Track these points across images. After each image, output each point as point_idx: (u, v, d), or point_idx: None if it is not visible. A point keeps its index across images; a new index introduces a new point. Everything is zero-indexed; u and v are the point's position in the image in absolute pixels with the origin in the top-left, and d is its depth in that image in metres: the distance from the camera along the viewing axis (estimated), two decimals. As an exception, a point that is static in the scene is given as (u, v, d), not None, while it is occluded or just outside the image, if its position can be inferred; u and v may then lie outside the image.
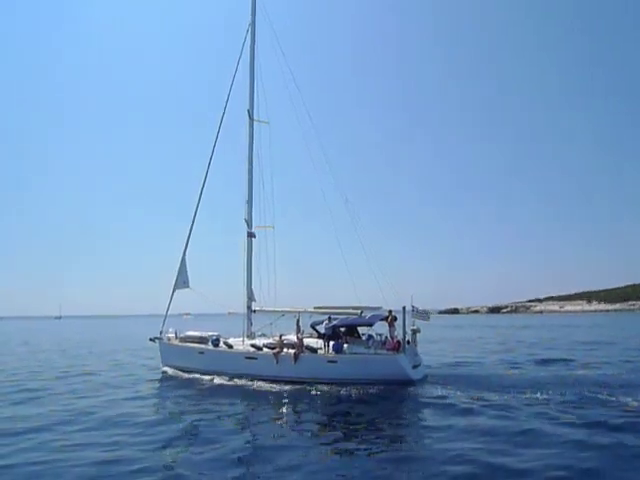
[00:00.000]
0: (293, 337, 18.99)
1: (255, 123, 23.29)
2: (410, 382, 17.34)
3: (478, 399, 14.43)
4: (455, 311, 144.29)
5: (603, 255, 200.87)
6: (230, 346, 20.07)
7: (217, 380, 19.06)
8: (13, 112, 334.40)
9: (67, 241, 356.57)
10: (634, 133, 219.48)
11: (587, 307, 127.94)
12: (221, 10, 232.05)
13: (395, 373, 17.43)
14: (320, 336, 19.09)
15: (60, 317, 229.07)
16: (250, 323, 22.00)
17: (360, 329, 19.94)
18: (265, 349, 18.99)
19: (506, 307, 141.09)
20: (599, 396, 14.47)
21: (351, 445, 10.45)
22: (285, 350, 18.51)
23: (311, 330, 20.02)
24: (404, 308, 18.41)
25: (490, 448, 9.85)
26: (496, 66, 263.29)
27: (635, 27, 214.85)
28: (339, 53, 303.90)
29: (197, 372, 20.27)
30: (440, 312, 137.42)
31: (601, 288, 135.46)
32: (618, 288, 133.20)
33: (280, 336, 19.19)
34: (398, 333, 18.37)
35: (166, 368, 22.04)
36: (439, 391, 15.95)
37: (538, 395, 14.87)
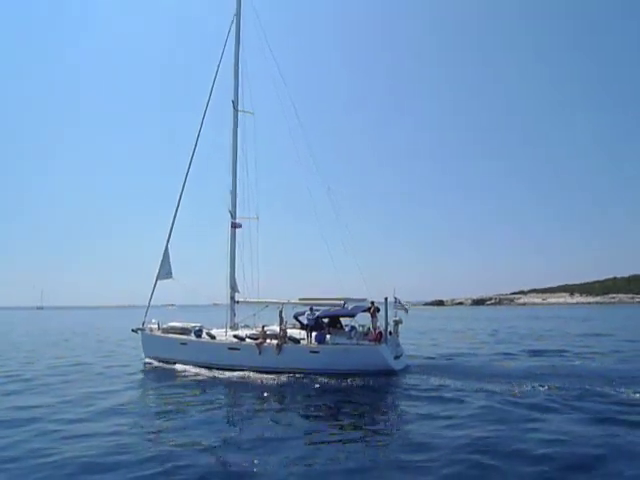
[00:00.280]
0: (276, 328, 19.04)
1: (240, 114, 23.14)
2: (392, 372, 17.55)
3: (464, 389, 14.65)
4: (440, 303, 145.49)
5: (586, 249, 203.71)
6: (213, 337, 20.05)
7: (199, 371, 19.05)
8: (12, 112, 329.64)
9: (48, 232, 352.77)
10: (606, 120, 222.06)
11: (569, 300, 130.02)
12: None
13: (377, 363, 17.60)
14: (303, 327, 19.16)
15: (42, 307, 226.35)
16: (233, 314, 21.99)
17: (343, 320, 20.05)
18: (248, 340, 19.02)
19: (490, 299, 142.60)
20: (597, 387, 14.41)
21: (332, 434, 10.58)
22: (268, 341, 18.57)
23: (294, 321, 20.09)
24: (386, 299, 18.59)
25: (473, 435, 10.08)
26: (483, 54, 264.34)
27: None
28: (327, 45, 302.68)
29: (179, 363, 20.22)
30: (425, 304, 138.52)
31: (583, 281, 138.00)
32: (599, 281, 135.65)
33: (262, 327, 19.24)
34: (380, 324, 18.54)
35: (148, 359, 21.95)
36: (417, 381, 16.23)
37: (530, 384, 15.00)
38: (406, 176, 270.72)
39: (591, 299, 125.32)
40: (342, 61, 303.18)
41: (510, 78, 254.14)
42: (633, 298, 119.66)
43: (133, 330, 23.29)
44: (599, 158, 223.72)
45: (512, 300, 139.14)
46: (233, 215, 22.48)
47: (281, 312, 19.53)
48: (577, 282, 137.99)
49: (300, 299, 20.31)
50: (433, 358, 22.39)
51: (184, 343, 20.50)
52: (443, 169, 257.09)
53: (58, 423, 11.56)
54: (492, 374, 17.09)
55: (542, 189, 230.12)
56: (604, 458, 8.63)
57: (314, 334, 18.42)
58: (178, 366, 20.00)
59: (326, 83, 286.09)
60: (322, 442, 10.01)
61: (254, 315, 21.25)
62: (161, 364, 20.98)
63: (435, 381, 15.98)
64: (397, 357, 18.62)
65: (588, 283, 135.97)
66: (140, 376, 19.46)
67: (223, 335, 20.08)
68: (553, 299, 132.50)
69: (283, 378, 17.23)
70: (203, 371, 18.97)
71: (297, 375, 17.38)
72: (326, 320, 19.33)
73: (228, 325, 20.96)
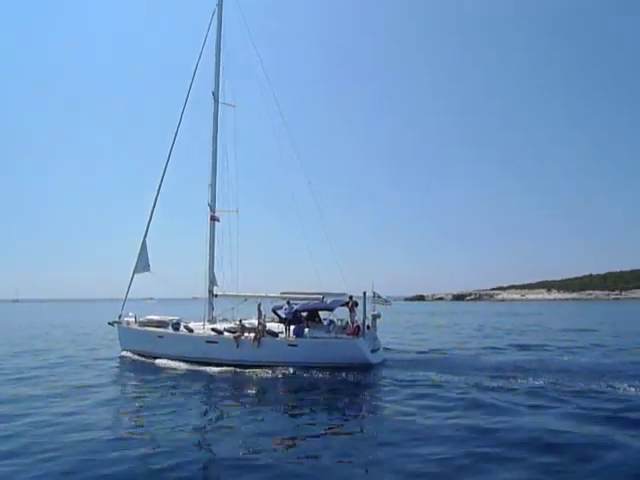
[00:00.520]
0: (255, 322, 18.99)
1: (220, 105, 22.91)
2: (369, 365, 17.67)
3: (442, 382, 14.78)
4: (421, 298, 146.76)
5: (563, 246, 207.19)
6: (191, 330, 19.90)
7: (177, 364, 18.88)
8: (12, 112, 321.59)
9: (48, 231, 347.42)
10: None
11: (547, 296, 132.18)
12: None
13: (354, 356, 17.70)
14: (281, 320, 19.15)
15: (17, 300, 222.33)
16: (212, 307, 21.86)
17: (322, 314, 20.10)
18: (226, 333, 18.93)
19: (470, 295, 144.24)
20: (588, 381, 14.43)
21: (308, 426, 10.64)
22: (246, 334, 18.52)
23: (273, 315, 20.06)
24: (364, 294, 18.67)
25: (444, 424, 10.25)
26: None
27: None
28: (309, 40, 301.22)
29: (156, 356, 20.02)
30: (406, 299, 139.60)
31: (560, 278, 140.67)
32: (576, 278, 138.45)
33: (240, 320, 19.17)
34: (358, 318, 18.62)
35: (124, 352, 21.71)
36: (393, 373, 16.38)
37: (520, 378, 14.99)
38: (387, 168, 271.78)
39: (568, 295, 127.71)
40: (321, 47, 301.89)
41: (490, 62, 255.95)
42: (609, 295, 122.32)
43: (109, 323, 23.06)
44: (581, 143, 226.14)
45: (492, 296, 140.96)
46: (212, 208, 22.28)
47: (260, 306, 19.51)
48: (557, 278, 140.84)
49: (281, 293, 20.32)
50: (425, 352, 22.09)
51: (161, 336, 20.31)
52: (426, 157, 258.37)
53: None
54: (481, 367, 17.25)
55: (529, 191, 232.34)
56: (598, 450, 8.52)
57: (292, 328, 18.43)
58: (154, 360, 19.80)
59: (305, 69, 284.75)
60: (297, 436, 9.94)
61: (232, 309, 21.19)
62: (137, 357, 20.76)
63: (414, 374, 16.07)
64: (374, 350, 18.74)
65: (568, 279, 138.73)
66: (115, 369, 19.23)
67: (201, 328, 19.95)
68: (531, 295, 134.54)
69: (261, 371, 17.20)
70: (180, 364, 18.80)
71: (275, 368, 17.37)
72: (305, 314, 19.36)
73: (206, 318, 20.84)
